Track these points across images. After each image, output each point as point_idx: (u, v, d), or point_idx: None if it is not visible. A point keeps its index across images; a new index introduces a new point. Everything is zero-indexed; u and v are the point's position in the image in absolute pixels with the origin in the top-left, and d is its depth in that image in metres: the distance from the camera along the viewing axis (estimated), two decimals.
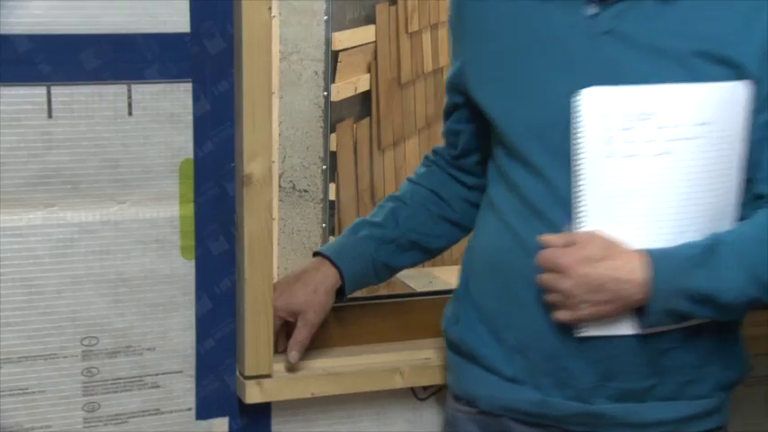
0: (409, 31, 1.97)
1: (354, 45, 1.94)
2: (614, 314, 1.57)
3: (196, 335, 1.82)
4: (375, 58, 1.96)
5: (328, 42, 1.89)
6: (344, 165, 1.96)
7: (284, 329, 1.87)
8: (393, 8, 1.96)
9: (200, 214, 1.79)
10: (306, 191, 1.93)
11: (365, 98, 1.96)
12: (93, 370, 1.78)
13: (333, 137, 1.94)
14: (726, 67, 1.52)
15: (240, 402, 1.86)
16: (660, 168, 1.53)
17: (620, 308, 1.56)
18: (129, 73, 1.71)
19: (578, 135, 1.55)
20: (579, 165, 1.56)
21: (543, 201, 1.61)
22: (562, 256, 1.56)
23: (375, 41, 1.94)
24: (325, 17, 1.89)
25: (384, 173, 2.01)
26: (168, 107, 1.75)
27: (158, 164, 1.76)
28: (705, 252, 1.53)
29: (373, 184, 1.99)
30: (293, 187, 1.92)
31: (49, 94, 1.68)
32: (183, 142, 1.77)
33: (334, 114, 1.93)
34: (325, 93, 1.93)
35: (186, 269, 1.80)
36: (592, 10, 1.56)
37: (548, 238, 1.59)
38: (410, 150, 2.02)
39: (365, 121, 1.97)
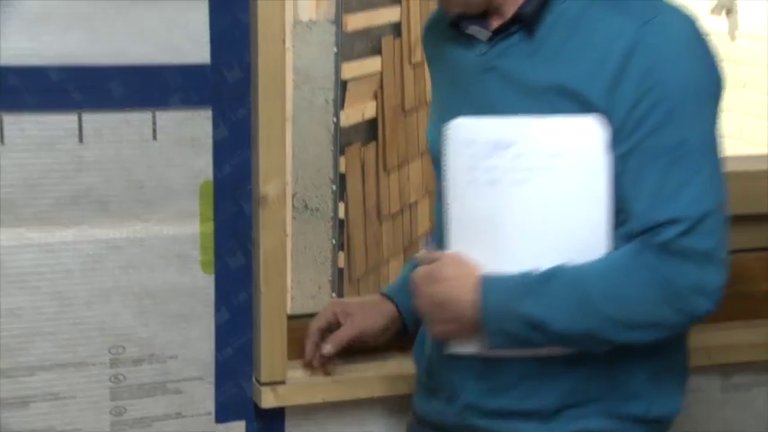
0: (412, 61, 1.99)
1: (362, 75, 1.96)
2: (463, 333, 1.52)
3: (215, 344, 1.83)
4: (381, 86, 1.98)
5: (338, 72, 1.92)
6: (353, 185, 1.98)
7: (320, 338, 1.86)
8: (398, 41, 1.98)
9: (219, 232, 1.81)
10: (317, 209, 1.95)
11: (372, 124, 1.97)
12: (120, 376, 1.79)
13: (342, 159, 1.95)
14: (575, 102, 1.45)
15: (256, 407, 1.87)
16: (518, 196, 1.48)
17: (464, 327, 1.51)
18: (154, 101, 1.73)
19: (446, 163, 1.53)
20: (447, 190, 1.54)
21: (441, 225, 1.59)
22: (416, 275, 1.56)
23: (381, 71, 1.97)
24: (335, 49, 1.92)
25: (389, 193, 2.03)
26: (190, 132, 1.76)
27: (180, 185, 1.77)
28: (540, 279, 1.46)
29: (379, 203, 2.01)
30: (305, 206, 1.94)
31: (80, 120, 1.70)
32: (203, 165, 1.78)
33: (343, 139, 1.95)
34: (335, 119, 1.95)
35: (206, 282, 1.81)
36: (483, 49, 1.54)
37: (419, 255, 1.59)
38: (413, 172, 2.03)
39: (372, 145, 1.99)
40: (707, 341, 2.08)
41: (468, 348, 1.55)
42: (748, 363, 2.11)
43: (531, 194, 1.48)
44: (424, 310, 1.56)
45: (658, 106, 1.43)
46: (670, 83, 1.43)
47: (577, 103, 1.45)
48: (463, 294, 1.50)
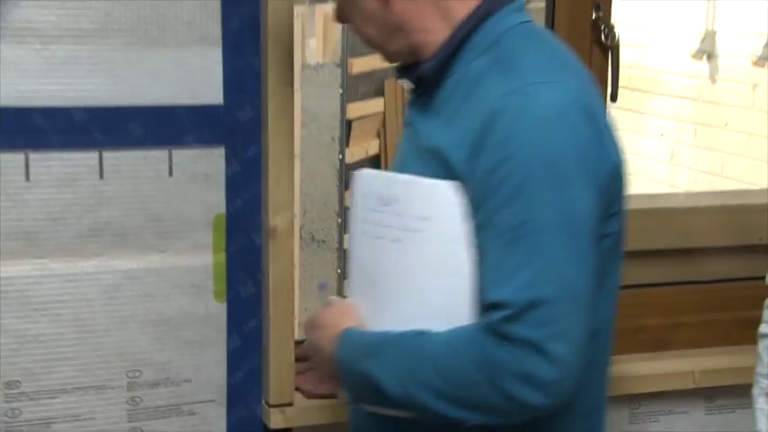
0: None
1: (366, 115, 1.97)
2: (331, 381, 1.45)
3: (227, 368, 1.83)
4: (384, 125, 1.99)
5: (343, 112, 1.93)
6: None
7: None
8: (399, 83, 2.01)
9: (231, 262, 1.80)
10: (323, 241, 1.96)
11: (375, 160, 1.99)
12: (137, 399, 1.79)
13: (347, 194, 1.97)
14: (444, 167, 1.32)
15: (265, 428, 1.86)
16: (394, 255, 1.37)
17: (330, 376, 1.44)
18: (171, 139, 1.74)
19: (350, 213, 1.47)
20: (350, 240, 1.47)
21: None
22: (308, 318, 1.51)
23: (384, 111, 1.98)
24: (341, 91, 1.93)
25: None
26: (204, 169, 1.77)
27: (195, 218, 1.77)
28: (388, 342, 1.35)
29: None
30: (312, 238, 1.95)
31: (100, 157, 1.71)
32: (216, 199, 1.78)
33: (348, 174, 1.96)
34: (341, 156, 1.96)
35: (218, 310, 1.81)
36: (411, 101, 1.45)
37: (329, 298, 1.53)
38: None
39: None
40: (692, 366, 2.08)
41: (341, 396, 1.48)
42: (731, 386, 2.10)
43: (404, 255, 1.37)
44: (308, 353, 1.52)
45: (507, 181, 1.26)
46: (522, 157, 1.26)
47: (446, 168, 1.32)
48: (328, 345, 1.41)
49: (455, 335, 1.31)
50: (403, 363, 1.32)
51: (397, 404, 1.34)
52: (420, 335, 1.33)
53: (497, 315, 1.26)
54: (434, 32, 1.38)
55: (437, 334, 1.32)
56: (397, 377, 1.32)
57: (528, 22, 1.39)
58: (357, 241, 1.45)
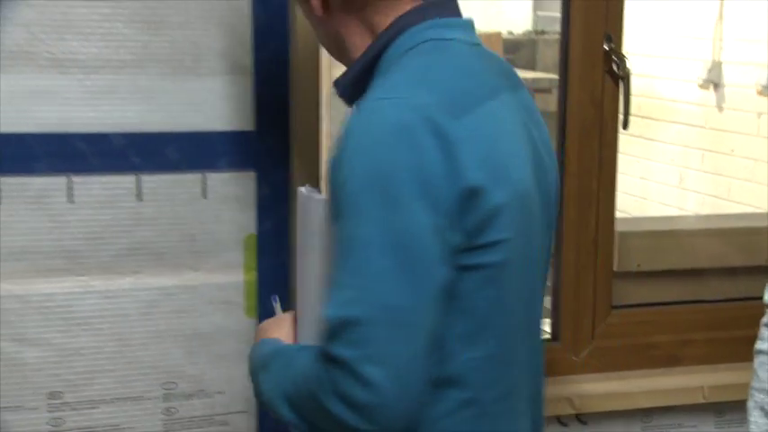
0: None
1: None
2: None
3: None
4: None
5: None
6: None
7: None
8: None
9: (261, 280, 1.81)
10: None
11: None
12: (173, 410, 1.79)
13: None
14: (330, 183, 1.22)
15: None
16: (303, 267, 1.34)
17: None
18: (204, 164, 1.75)
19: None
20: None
21: None
22: None
23: None
24: None
25: None
26: (236, 192, 1.78)
27: (227, 238, 1.78)
28: (274, 356, 1.29)
29: None
30: None
31: (138, 180, 1.72)
32: (247, 221, 1.79)
33: None
34: None
35: (249, 325, 1.81)
36: None
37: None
38: None
39: None
40: (702, 381, 2.07)
41: None
42: (740, 401, 2.08)
43: (306, 268, 1.33)
44: None
45: (346, 197, 1.16)
46: (357, 173, 1.15)
47: (329, 183, 1.22)
48: (249, 354, 1.37)
49: (314, 349, 1.21)
50: (277, 375, 1.26)
51: (284, 417, 1.25)
52: (299, 350, 1.27)
53: (323, 332, 1.17)
54: (363, 49, 1.30)
55: (311, 349, 1.22)
56: (270, 389, 1.26)
57: (445, 40, 1.26)
58: (297, 255, 1.41)
